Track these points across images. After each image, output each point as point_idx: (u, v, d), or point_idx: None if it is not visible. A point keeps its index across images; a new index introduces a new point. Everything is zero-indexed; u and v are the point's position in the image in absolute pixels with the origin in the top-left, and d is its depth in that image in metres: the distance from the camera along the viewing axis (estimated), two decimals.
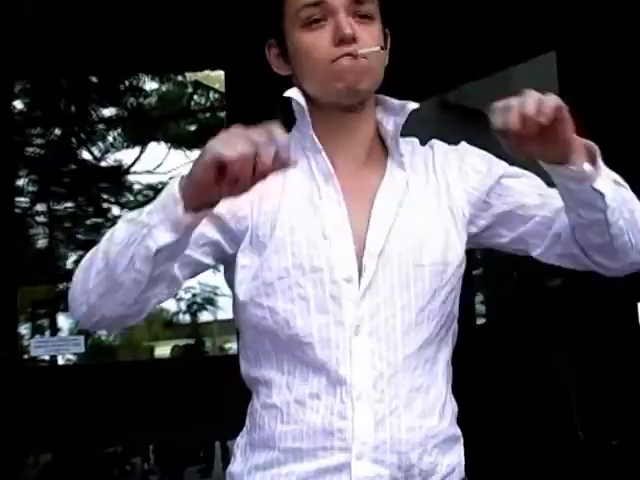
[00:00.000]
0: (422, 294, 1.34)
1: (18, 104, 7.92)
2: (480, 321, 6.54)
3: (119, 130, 9.55)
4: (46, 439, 4.99)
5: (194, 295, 14.16)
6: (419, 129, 1.50)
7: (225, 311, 13.38)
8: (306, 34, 1.35)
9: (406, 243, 1.35)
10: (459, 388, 1.42)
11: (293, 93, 1.37)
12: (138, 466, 8.49)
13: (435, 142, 1.47)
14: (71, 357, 7.77)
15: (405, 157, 1.41)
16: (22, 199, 8.99)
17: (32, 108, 8.38)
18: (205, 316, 14.91)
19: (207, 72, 8.15)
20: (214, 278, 10.48)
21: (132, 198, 10.53)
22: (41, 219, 10.05)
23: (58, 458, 6.00)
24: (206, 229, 1.30)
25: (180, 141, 10.11)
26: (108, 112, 9.23)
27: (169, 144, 10.19)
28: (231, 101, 5.28)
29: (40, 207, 9.83)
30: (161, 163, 10.47)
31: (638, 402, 3.88)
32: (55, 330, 11.18)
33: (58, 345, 5.15)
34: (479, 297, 6.99)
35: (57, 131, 8.83)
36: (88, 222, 10.37)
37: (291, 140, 1.35)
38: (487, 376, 4.53)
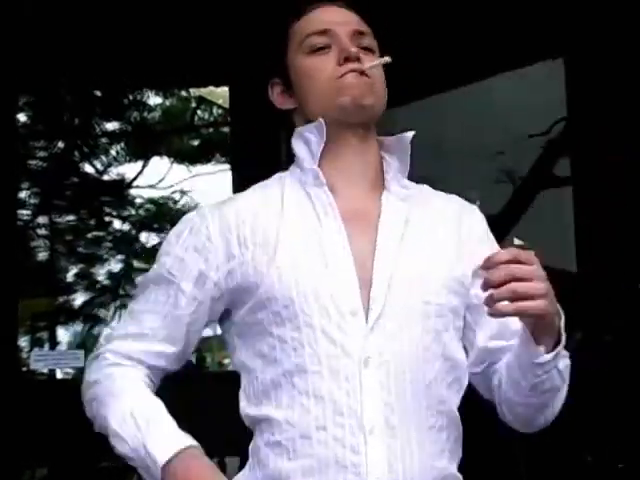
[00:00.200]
0: (429, 331, 1.32)
1: (22, 117, 7.93)
2: None
3: (122, 144, 9.56)
4: (43, 453, 4.97)
5: None
6: None
7: None
8: (311, 59, 1.37)
9: (412, 278, 1.34)
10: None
11: (315, 128, 1.37)
12: None
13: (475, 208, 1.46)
14: (69, 370, 7.75)
15: (411, 192, 1.40)
16: (24, 211, 8.99)
17: (35, 121, 8.39)
18: (205, 331, 14.86)
19: (211, 88, 8.17)
20: None
21: (134, 212, 10.53)
22: (43, 232, 10.05)
23: (54, 472, 5.97)
24: (199, 314, 1.37)
25: (183, 156, 10.12)
26: (111, 126, 9.25)
27: (172, 159, 10.20)
28: (235, 117, 5.29)
29: (42, 220, 9.83)
30: (163, 177, 10.48)
31: None
32: (54, 343, 11.15)
33: (58, 359, 5.12)
34: None
35: (60, 144, 8.84)
36: (89, 235, 10.37)
37: (287, 177, 1.38)
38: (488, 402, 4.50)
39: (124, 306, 11.83)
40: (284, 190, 1.39)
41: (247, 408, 1.34)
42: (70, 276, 10.91)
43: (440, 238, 1.38)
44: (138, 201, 10.53)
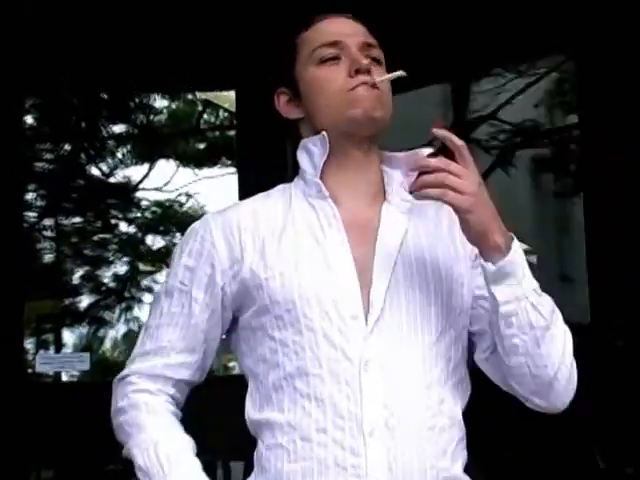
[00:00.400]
0: (429, 333, 1.34)
1: (28, 119, 7.95)
2: None
3: (128, 147, 9.59)
4: (48, 455, 4.97)
5: None
6: None
7: None
8: (321, 69, 1.38)
9: (412, 284, 1.35)
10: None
11: (319, 140, 1.38)
12: None
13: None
14: (75, 373, 7.76)
15: (411, 204, 1.42)
16: (30, 214, 9.01)
17: (42, 124, 8.41)
18: None
19: (217, 91, 8.19)
20: None
21: (140, 214, 10.55)
22: (49, 234, 10.08)
23: (60, 475, 5.97)
24: (210, 326, 1.38)
25: (189, 159, 10.14)
26: (118, 129, 9.27)
27: (178, 162, 10.23)
28: (241, 121, 5.31)
29: (48, 222, 9.86)
30: (169, 180, 10.50)
31: None
32: (60, 345, 11.18)
33: (63, 362, 5.14)
34: None
35: (67, 147, 8.86)
36: (95, 238, 10.39)
37: (292, 189, 1.39)
38: (504, 406, 4.50)
39: (129, 308, 11.88)
40: (288, 200, 1.41)
41: (251, 413, 1.35)
42: (76, 278, 10.93)
43: (438, 244, 1.39)
44: (144, 204, 10.55)
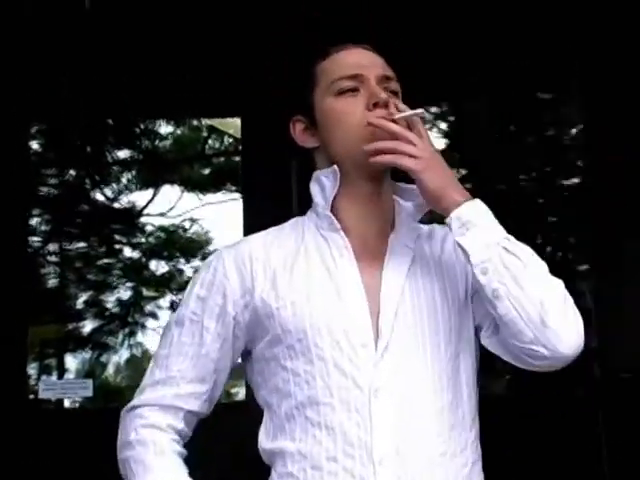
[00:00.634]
0: (438, 359, 1.34)
1: (34, 145, 7.99)
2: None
3: (133, 172, 9.60)
4: None
5: None
6: None
7: None
8: (339, 101, 1.40)
9: (420, 311, 1.36)
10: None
11: (331, 173, 1.40)
12: None
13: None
14: (77, 399, 7.73)
15: (420, 233, 1.43)
16: (35, 238, 9.03)
17: (48, 149, 8.45)
18: None
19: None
20: None
21: (144, 240, 10.55)
22: (53, 259, 10.07)
23: None
24: (222, 355, 1.39)
25: (193, 184, 10.15)
26: (123, 154, 9.29)
27: (182, 187, 10.23)
28: (247, 147, 5.33)
29: (52, 247, 9.85)
30: (174, 206, 10.50)
31: None
32: (62, 370, 11.15)
33: (66, 388, 5.13)
34: None
35: (72, 172, 8.89)
36: (99, 263, 10.38)
37: (305, 222, 1.41)
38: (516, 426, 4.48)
39: (133, 334, 11.83)
40: (301, 233, 1.43)
41: (264, 443, 1.37)
42: (79, 303, 10.91)
43: (445, 270, 1.40)
44: (148, 229, 10.55)
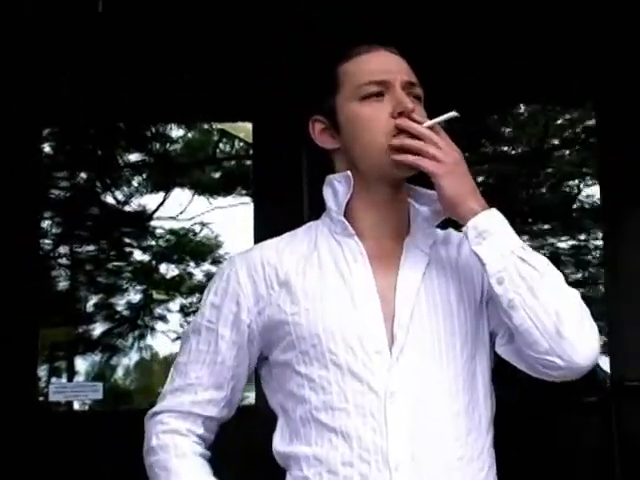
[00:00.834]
0: (454, 362, 1.34)
1: (46, 148, 8.02)
2: None
3: (144, 176, 9.62)
4: None
5: None
6: None
7: None
8: (364, 106, 1.39)
9: (436, 313, 1.36)
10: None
11: (343, 178, 1.40)
12: None
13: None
14: (87, 401, 7.75)
15: (435, 238, 1.43)
16: (46, 241, 9.06)
17: (59, 153, 8.48)
18: None
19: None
20: None
21: (154, 243, 10.57)
22: (63, 261, 10.10)
23: None
24: (238, 364, 1.40)
25: (204, 188, 10.17)
26: (134, 157, 9.32)
27: (193, 191, 10.25)
28: (258, 152, 5.34)
29: (63, 249, 9.88)
30: (184, 209, 10.52)
31: None
32: (72, 373, 11.17)
33: (76, 391, 5.13)
34: None
35: (83, 175, 8.92)
36: (110, 266, 10.40)
37: (319, 226, 1.40)
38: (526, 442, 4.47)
39: (143, 337, 11.86)
40: (314, 238, 1.42)
41: (279, 446, 1.37)
42: (90, 306, 10.94)
43: (460, 274, 1.40)
44: (159, 232, 10.57)
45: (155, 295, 11.39)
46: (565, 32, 4.52)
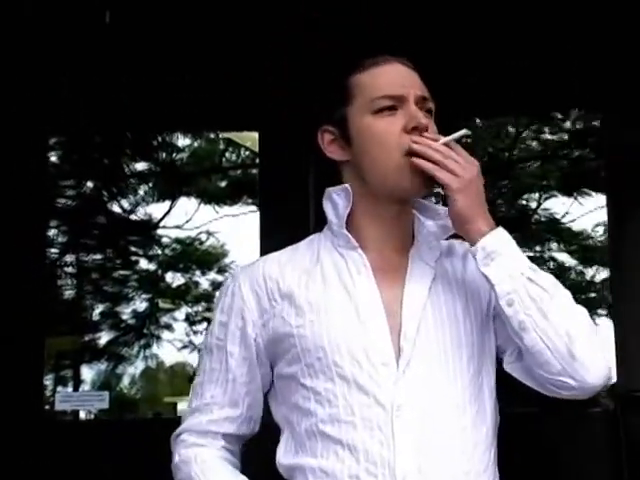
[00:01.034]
0: (461, 376, 1.33)
1: (52, 157, 8.03)
2: None
3: (150, 184, 9.64)
4: None
5: None
6: None
7: None
8: (378, 120, 1.38)
9: (442, 326, 1.35)
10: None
11: (342, 192, 1.39)
12: None
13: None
14: (92, 410, 7.75)
15: (440, 252, 1.42)
16: (52, 250, 9.07)
17: (66, 161, 8.50)
18: None
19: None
20: None
21: (160, 252, 10.59)
22: (70, 270, 10.12)
23: None
24: (249, 382, 1.42)
25: (210, 197, 10.18)
26: (140, 166, 9.33)
27: (199, 199, 10.27)
28: (264, 161, 5.34)
29: (69, 258, 9.90)
30: (190, 218, 10.54)
31: None
32: (78, 381, 11.17)
33: (82, 400, 5.13)
34: None
35: (89, 184, 8.94)
36: (116, 274, 10.41)
37: (321, 240, 1.40)
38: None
39: (148, 345, 11.88)
40: (316, 251, 1.41)
41: (282, 459, 1.36)
42: (95, 315, 10.95)
43: (467, 286, 1.39)
44: (165, 241, 10.59)
45: (161, 304, 11.40)
46: (564, 41, 4.52)
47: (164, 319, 11.52)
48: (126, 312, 11.11)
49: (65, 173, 8.71)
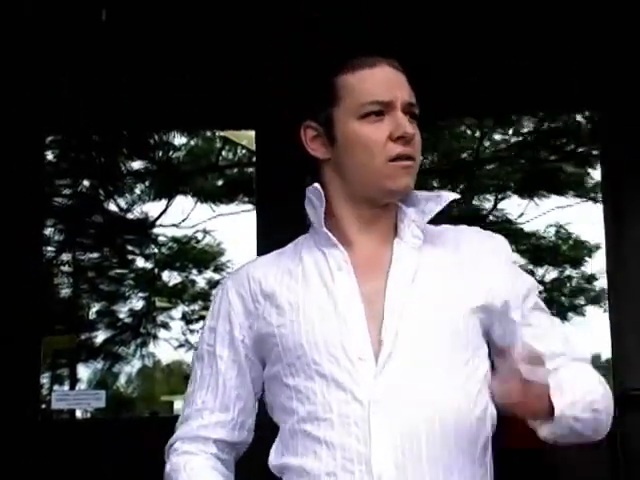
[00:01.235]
0: (442, 369, 1.32)
1: (49, 155, 8.02)
2: None
3: (146, 183, 9.63)
4: None
5: None
6: None
7: None
8: (365, 126, 1.37)
9: (424, 318, 1.34)
10: None
11: (315, 192, 1.39)
12: None
13: (468, 228, 1.48)
14: (89, 409, 7.74)
15: (426, 239, 1.41)
16: (49, 248, 9.06)
17: (62, 160, 8.48)
18: None
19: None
20: None
21: (157, 250, 10.58)
22: (66, 269, 10.10)
23: None
24: (239, 384, 1.42)
25: (207, 195, 10.17)
26: (137, 165, 9.32)
27: (196, 198, 10.26)
28: (261, 160, 5.34)
29: (66, 257, 9.89)
30: (187, 217, 10.53)
31: None
32: (75, 380, 11.16)
33: (79, 399, 5.13)
34: None
35: (86, 183, 8.93)
36: (112, 273, 10.40)
37: (306, 240, 1.40)
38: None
39: (145, 344, 11.88)
40: (299, 252, 1.42)
41: (272, 459, 1.37)
42: (92, 313, 10.94)
43: (454, 275, 1.38)
44: (161, 240, 10.57)
45: (157, 303, 11.40)
46: (562, 41, 4.52)
47: (161, 318, 11.51)
48: (123, 311, 11.11)
49: (62, 172, 8.69)
